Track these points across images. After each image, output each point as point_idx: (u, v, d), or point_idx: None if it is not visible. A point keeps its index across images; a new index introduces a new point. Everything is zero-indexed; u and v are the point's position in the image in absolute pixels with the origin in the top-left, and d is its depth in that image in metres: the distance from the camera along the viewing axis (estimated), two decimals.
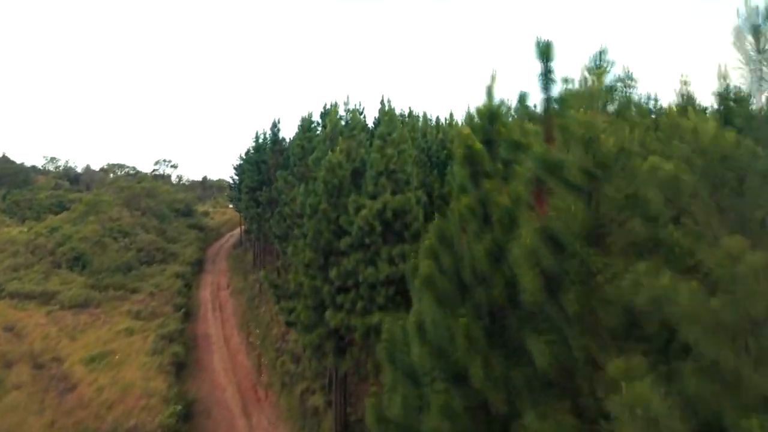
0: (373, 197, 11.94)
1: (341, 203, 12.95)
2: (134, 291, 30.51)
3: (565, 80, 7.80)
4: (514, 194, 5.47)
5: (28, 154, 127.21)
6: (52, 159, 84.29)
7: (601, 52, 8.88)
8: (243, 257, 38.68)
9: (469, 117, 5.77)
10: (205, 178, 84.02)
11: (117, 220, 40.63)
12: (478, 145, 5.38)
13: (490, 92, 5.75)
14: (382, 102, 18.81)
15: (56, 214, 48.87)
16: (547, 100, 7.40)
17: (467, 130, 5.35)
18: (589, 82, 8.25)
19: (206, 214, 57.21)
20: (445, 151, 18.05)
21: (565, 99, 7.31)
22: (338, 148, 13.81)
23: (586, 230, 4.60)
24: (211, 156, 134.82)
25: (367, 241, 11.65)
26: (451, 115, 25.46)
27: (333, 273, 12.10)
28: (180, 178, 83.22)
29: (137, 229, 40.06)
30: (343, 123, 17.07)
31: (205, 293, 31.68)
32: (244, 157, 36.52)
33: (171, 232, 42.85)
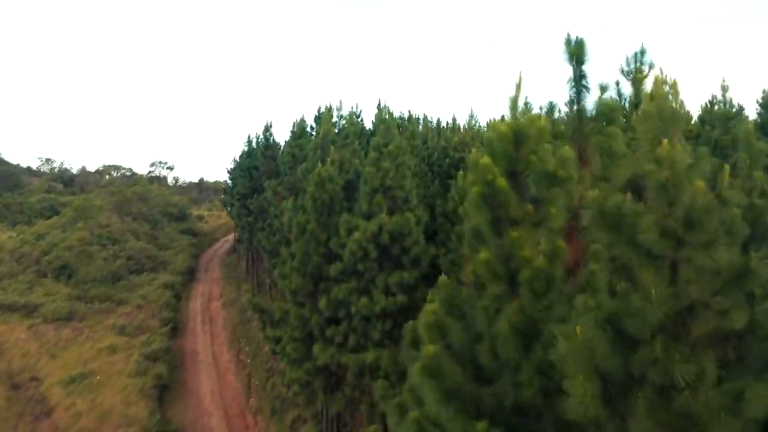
0: (368, 217, 10.52)
1: (332, 222, 11.53)
2: (121, 302, 29.10)
3: (603, 88, 6.33)
4: (551, 248, 4.05)
5: (24, 156, 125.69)
6: (48, 160, 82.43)
7: (640, 53, 7.28)
8: (237, 265, 37.24)
9: (487, 141, 4.33)
10: (201, 180, 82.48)
11: (106, 227, 39.18)
12: (502, 182, 3.95)
13: (514, 105, 4.30)
14: (379, 107, 17.34)
15: (48, 218, 47.39)
16: (580, 113, 5.94)
17: (486, 161, 3.92)
18: (625, 89, 6.65)
19: (201, 217, 55.74)
20: (447, 160, 16.63)
21: (604, 113, 5.89)
22: (329, 159, 12.38)
23: (666, 316, 3.17)
24: (209, 157, 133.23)
25: (360, 267, 10.22)
26: (454, 119, 23.99)
27: (322, 302, 10.68)
28: (176, 180, 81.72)
29: (127, 235, 38.61)
30: (337, 130, 15.63)
31: (196, 304, 30.27)
32: (238, 160, 35.05)
33: (163, 239, 41.38)
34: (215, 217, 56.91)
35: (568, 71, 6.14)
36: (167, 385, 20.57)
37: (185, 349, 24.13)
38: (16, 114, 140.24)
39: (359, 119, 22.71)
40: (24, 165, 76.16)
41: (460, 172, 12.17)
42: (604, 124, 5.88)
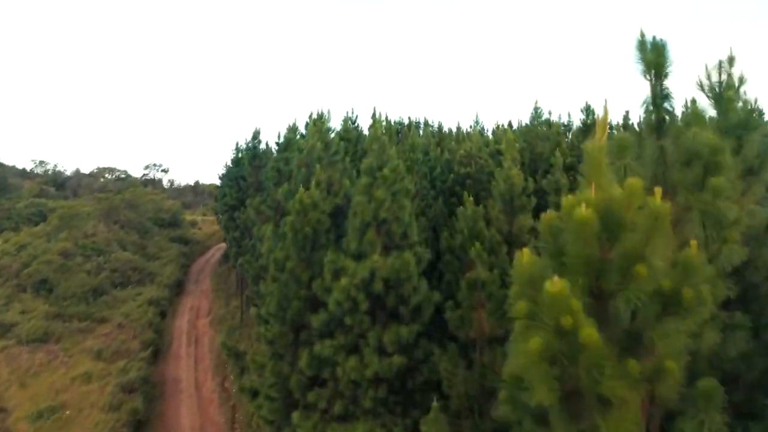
0: (358, 257, 8.63)
1: (316, 257, 9.64)
2: (102, 321, 27.20)
3: (691, 115, 4.36)
4: None
5: (19, 158, 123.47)
6: (41, 162, 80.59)
7: (728, 62, 5.18)
8: (227, 276, 35.36)
9: (545, 230, 2.36)
10: (197, 183, 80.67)
11: (92, 236, 37.29)
12: (581, 316, 2.06)
13: (599, 166, 2.38)
14: (373, 118, 15.39)
15: (36, 224, 45.51)
16: (664, 149, 3.99)
17: (560, 286, 2.03)
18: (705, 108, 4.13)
19: (194, 223, 53.85)
20: (451, 175, 14.76)
21: (699, 154, 3.95)
22: (313, 180, 10.49)
23: None
24: (206, 159, 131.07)
25: (348, 321, 8.34)
26: (459, 127, 22.10)
27: (303, 360, 8.80)
28: (171, 182, 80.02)
29: (114, 245, 36.71)
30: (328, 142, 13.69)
31: (182, 322, 28.40)
32: (230, 165, 33.09)
33: (152, 248, 39.51)
34: (209, 222, 54.92)
35: (642, 85, 4.22)
36: (144, 420, 18.72)
37: (166, 376, 22.25)
38: (12, 115, 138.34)
39: (355, 125, 20.77)
40: (19, 167, 74.49)
41: (468, 197, 10.29)
42: (700, 167, 3.98)
